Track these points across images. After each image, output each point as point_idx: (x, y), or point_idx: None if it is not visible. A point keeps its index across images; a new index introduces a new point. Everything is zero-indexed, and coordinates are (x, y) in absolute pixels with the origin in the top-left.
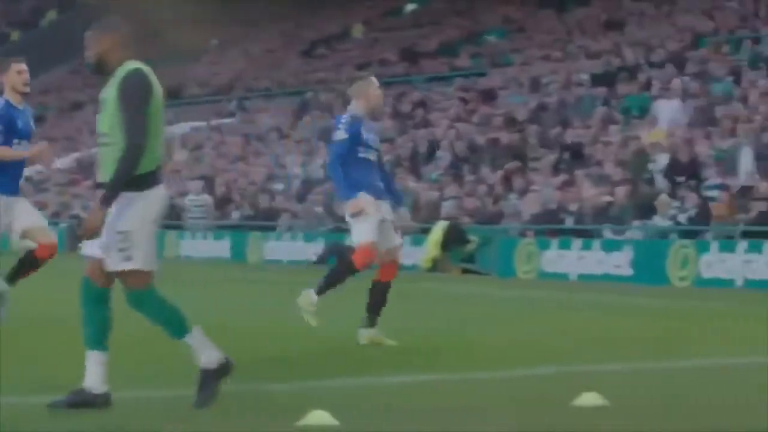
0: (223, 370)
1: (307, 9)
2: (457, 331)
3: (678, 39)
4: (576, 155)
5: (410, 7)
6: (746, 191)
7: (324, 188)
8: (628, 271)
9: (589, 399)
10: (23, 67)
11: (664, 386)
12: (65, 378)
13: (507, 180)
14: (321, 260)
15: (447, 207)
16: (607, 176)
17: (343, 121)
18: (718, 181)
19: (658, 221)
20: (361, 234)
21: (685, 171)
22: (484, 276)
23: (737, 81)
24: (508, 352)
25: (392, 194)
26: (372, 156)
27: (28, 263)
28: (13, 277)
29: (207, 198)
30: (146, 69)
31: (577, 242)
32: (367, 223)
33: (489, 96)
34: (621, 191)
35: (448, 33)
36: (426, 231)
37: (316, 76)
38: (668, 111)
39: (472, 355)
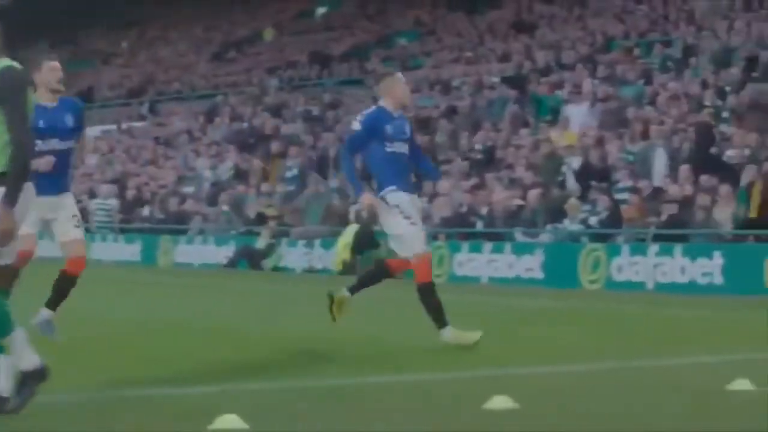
0: (41, 374)
1: (218, 12)
2: (369, 334)
3: (589, 42)
4: (487, 158)
5: (321, 10)
6: (657, 194)
7: (233, 192)
8: (539, 275)
9: (500, 402)
10: (56, 64)
11: (575, 389)
12: None
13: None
14: (232, 264)
15: (357, 210)
16: (518, 179)
17: (364, 112)
18: (629, 183)
19: (569, 224)
20: (414, 244)
21: (597, 174)
22: (396, 280)
23: (648, 84)
24: (420, 356)
25: (429, 171)
26: (402, 148)
27: (63, 284)
28: (55, 302)
29: (114, 202)
30: (18, 66)
31: (488, 246)
32: (415, 228)
33: None
34: (532, 194)
35: (359, 36)
36: (337, 234)
37: (226, 80)
38: (579, 114)
39: (385, 359)
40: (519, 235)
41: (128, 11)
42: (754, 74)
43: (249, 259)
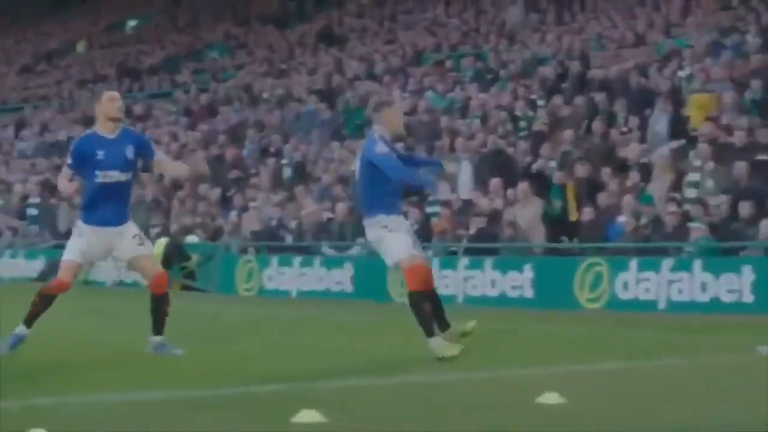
0: None
1: (30, 24)
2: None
3: (400, 55)
4: (297, 171)
5: (132, 23)
6: (467, 207)
7: (44, 205)
8: (349, 288)
9: (308, 416)
10: (115, 94)
11: (383, 402)
12: None
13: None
14: (43, 277)
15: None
16: (328, 193)
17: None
18: (439, 197)
19: None
20: (397, 253)
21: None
22: (204, 293)
23: (459, 96)
24: (224, 370)
25: (431, 165)
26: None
27: (160, 305)
28: (159, 327)
29: None
30: None
31: (297, 259)
32: (397, 239)
33: (211, 111)
34: (342, 208)
35: (170, 49)
36: None
37: (36, 92)
38: None
39: (190, 373)
40: (328, 249)
41: None
42: (564, 85)
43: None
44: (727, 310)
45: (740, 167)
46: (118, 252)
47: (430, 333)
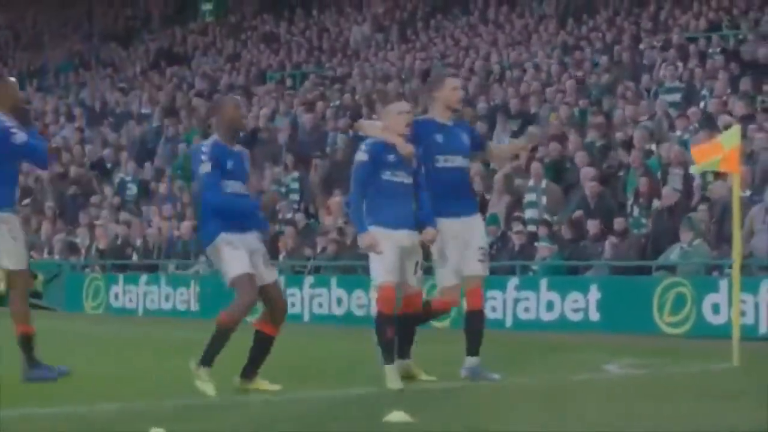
0: None
1: None
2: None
3: (245, 73)
4: (143, 190)
5: None
6: (314, 226)
7: None
8: (195, 306)
9: None
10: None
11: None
12: None
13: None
14: None
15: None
16: (175, 210)
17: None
18: (288, 215)
19: None
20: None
21: None
22: (50, 311)
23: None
24: (70, 388)
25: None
26: (403, 179)
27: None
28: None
29: None
30: None
31: (143, 277)
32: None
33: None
34: (187, 226)
35: (12, 66)
36: None
37: None
38: None
39: (30, 391)
40: (171, 267)
41: None
42: None
43: None
44: (573, 329)
45: (586, 185)
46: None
47: (398, 357)
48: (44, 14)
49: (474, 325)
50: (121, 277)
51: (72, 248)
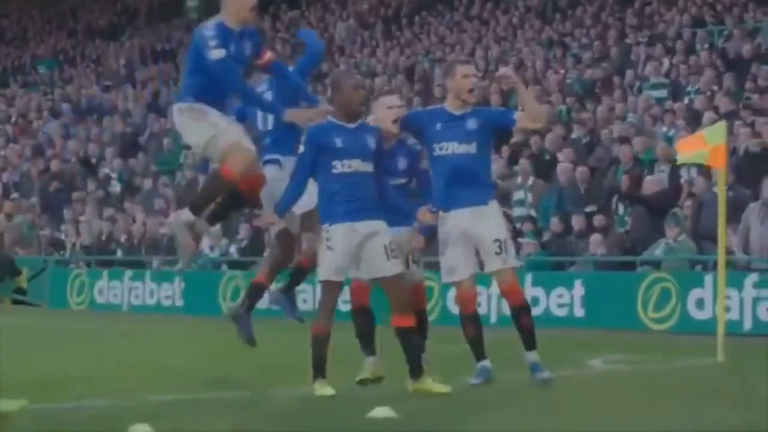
0: None
1: None
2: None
3: None
4: (128, 186)
5: None
6: None
7: None
8: (179, 302)
9: (140, 430)
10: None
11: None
12: None
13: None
14: None
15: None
16: (159, 207)
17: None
18: None
19: (210, 253)
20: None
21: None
22: (35, 307)
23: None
24: (57, 384)
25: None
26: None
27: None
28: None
29: None
30: None
31: (128, 273)
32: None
33: (37, 125)
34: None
35: None
36: None
37: None
38: None
39: (21, 388)
40: (156, 263)
41: None
42: None
43: None
44: (558, 324)
45: (570, 180)
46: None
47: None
48: (29, 10)
49: (520, 322)
50: (105, 272)
51: (56, 244)
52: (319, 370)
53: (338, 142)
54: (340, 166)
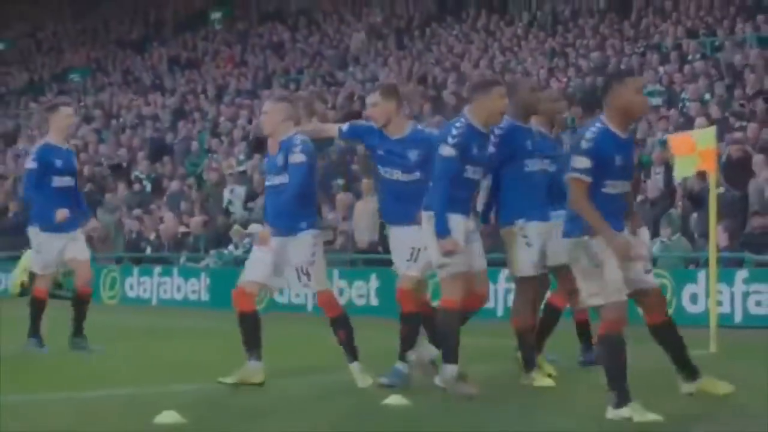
0: None
1: None
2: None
3: (252, 77)
4: (156, 187)
5: None
6: None
7: None
8: (205, 297)
9: (169, 417)
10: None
11: (239, 404)
12: None
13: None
14: None
15: None
16: (185, 207)
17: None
18: None
19: (234, 250)
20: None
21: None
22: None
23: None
24: (91, 374)
25: None
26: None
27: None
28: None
29: None
30: None
31: (157, 269)
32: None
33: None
34: (195, 222)
35: (35, 71)
36: (16, 258)
37: None
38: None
39: (53, 378)
40: (183, 260)
41: None
42: None
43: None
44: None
45: None
46: None
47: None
48: (63, 23)
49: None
50: (135, 269)
51: (89, 242)
52: (531, 363)
53: (529, 144)
54: (530, 165)
